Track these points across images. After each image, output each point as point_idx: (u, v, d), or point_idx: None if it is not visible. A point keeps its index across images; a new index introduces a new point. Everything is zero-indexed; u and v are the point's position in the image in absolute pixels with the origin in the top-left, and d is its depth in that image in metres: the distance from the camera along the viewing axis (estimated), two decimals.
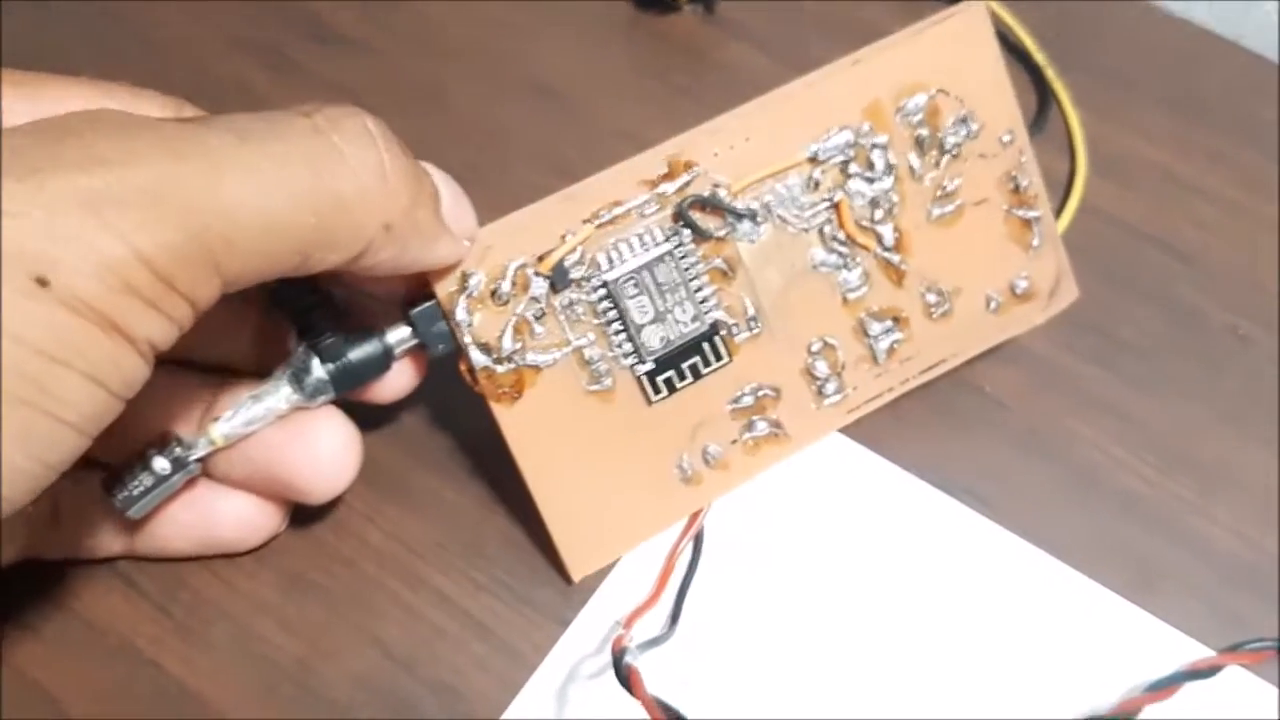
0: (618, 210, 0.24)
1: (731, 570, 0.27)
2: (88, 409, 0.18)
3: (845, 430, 0.28)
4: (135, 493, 0.23)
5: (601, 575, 0.26)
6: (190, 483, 0.24)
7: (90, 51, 0.34)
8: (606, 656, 0.25)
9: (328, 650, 0.25)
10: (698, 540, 0.26)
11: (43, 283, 0.17)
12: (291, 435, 0.24)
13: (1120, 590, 0.26)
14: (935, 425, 0.28)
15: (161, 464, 0.23)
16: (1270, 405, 0.29)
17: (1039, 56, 0.34)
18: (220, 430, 0.23)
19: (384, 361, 0.24)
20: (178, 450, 0.23)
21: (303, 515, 0.27)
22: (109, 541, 0.25)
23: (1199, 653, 0.25)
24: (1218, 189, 0.33)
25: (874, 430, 0.28)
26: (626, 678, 0.22)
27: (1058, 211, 0.31)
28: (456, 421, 0.28)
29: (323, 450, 0.24)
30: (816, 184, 0.26)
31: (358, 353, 0.24)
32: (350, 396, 0.25)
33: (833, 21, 0.36)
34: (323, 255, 0.20)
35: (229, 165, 0.19)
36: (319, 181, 0.20)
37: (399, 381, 0.25)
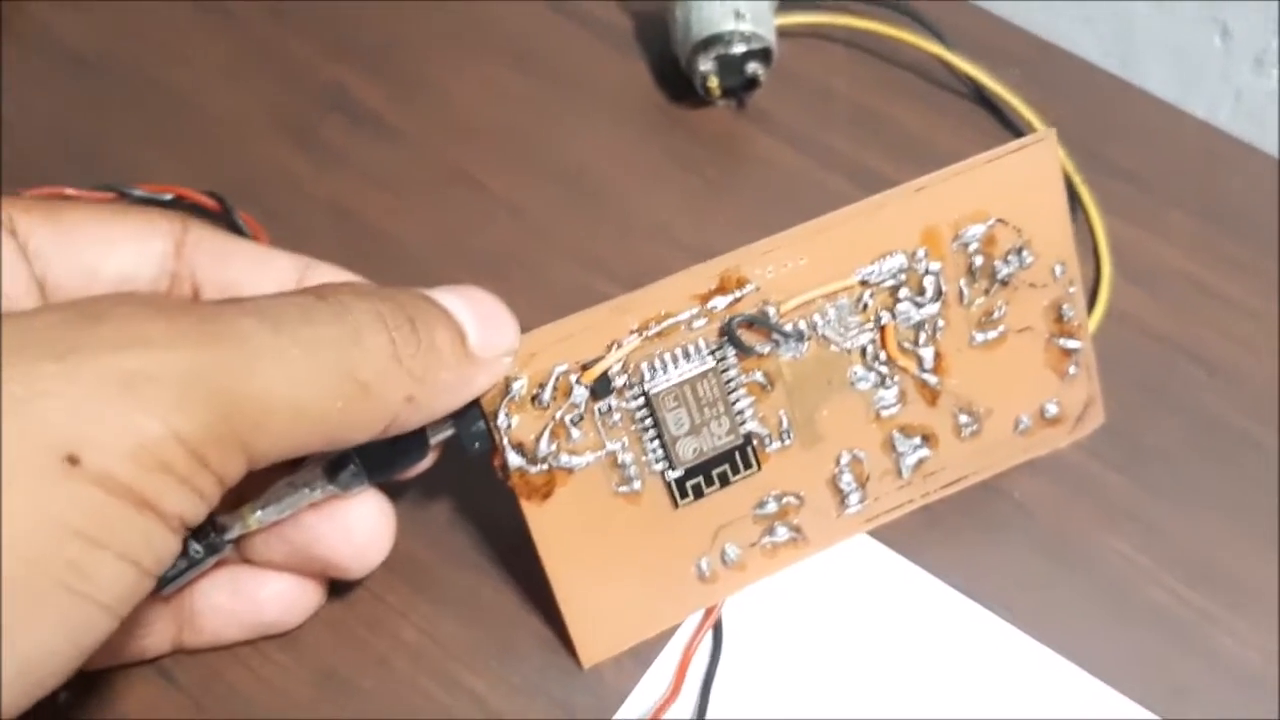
0: (667, 323, 0.24)
1: (756, 668, 0.26)
2: (120, 589, 0.18)
3: (872, 533, 0.27)
4: (169, 574, 0.22)
5: (635, 678, 0.26)
6: (224, 567, 0.24)
7: (129, 125, 0.34)
8: None
9: None
10: (717, 635, 0.26)
11: (73, 461, 0.17)
12: (326, 516, 0.23)
13: (1145, 703, 0.26)
14: (963, 530, 0.28)
15: (195, 547, 0.22)
16: None
17: (1067, 163, 0.33)
18: (255, 515, 0.23)
19: (420, 455, 0.24)
20: (211, 535, 0.23)
21: (337, 609, 0.26)
22: (158, 644, 0.24)
23: None
24: (1242, 298, 0.33)
25: (901, 534, 0.28)
26: None
27: None
28: (489, 517, 0.27)
29: (358, 531, 0.24)
30: (865, 306, 0.25)
31: (395, 449, 0.23)
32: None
33: (861, 119, 0.36)
34: (346, 436, 0.20)
35: (263, 353, 0.19)
36: (342, 368, 0.19)
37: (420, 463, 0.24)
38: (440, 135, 0.35)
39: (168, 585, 0.23)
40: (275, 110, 0.35)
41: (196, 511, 0.19)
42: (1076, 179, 0.34)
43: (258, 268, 0.24)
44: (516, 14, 0.38)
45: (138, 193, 0.31)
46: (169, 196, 0.31)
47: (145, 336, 0.18)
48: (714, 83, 0.34)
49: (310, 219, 0.33)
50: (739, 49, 0.34)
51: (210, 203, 0.31)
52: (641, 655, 0.26)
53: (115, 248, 0.23)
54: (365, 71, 0.36)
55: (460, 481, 0.27)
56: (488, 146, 0.35)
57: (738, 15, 0.33)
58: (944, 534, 0.28)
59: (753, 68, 0.34)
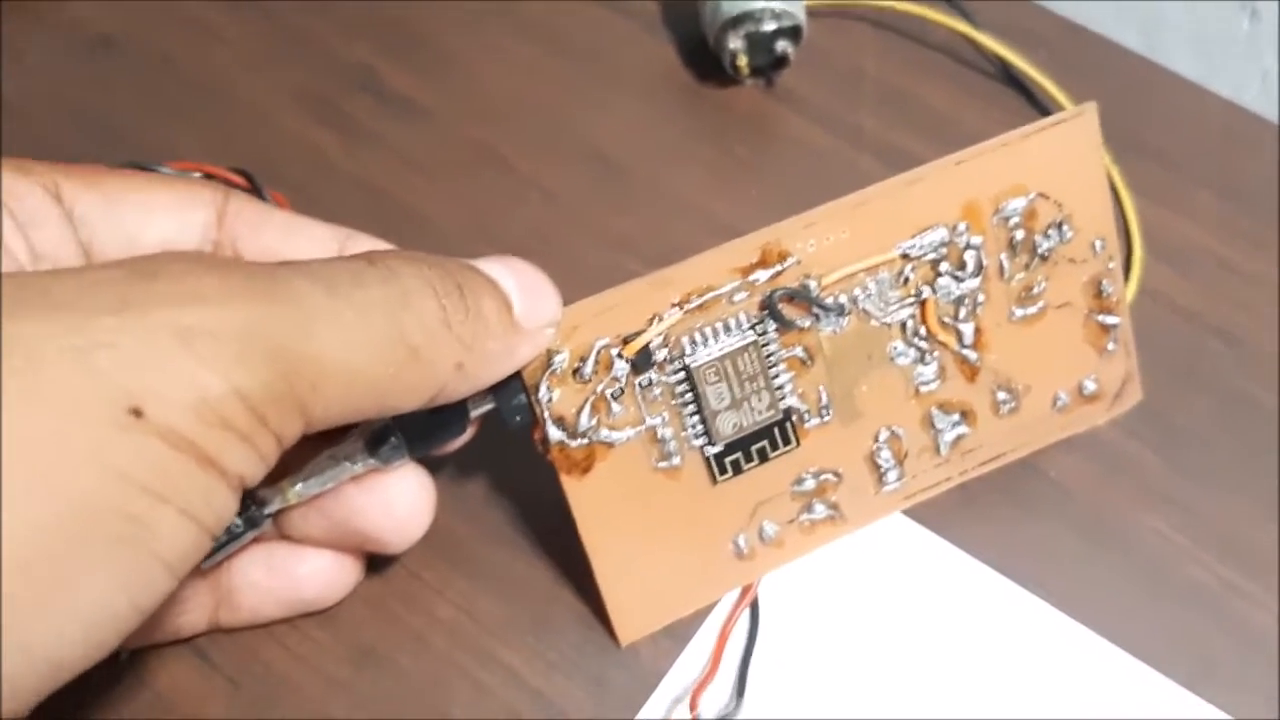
0: (708, 296, 0.24)
1: (793, 646, 0.26)
2: (182, 547, 0.17)
3: (908, 511, 0.27)
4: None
5: (672, 657, 0.26)
6: (261, 543, 0.24)
7: (153, 104, 0.34)
8: None
9: None
10: (754, 613, 0.26)
11: (137, 414, 0.16)
12: (367, 490, 0.23)
13: (1182, 680, 0.26)
14: (1000, 509, 0.28)
15: (235, 521, 0.22)
16: None
17: None
18: (295, 488, 0.23)
19: (460, 428, 0.24)
20: (251, 508, 0.23)
21: (374, 585, 0.26)
22: (194, 622, 0.24)
23: None
24: (1271, 276, 0.33)
25: (937, 512, 0.27)
26: None
27: None
28: (526, 493, 0.27)
29: (399, 504, 0.24)
30: (905, 280, 0.25)
31: (435, 421, 0.23)
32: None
33: (890, 98, 0.35)
34: (396, 402, 0.20)
35: (318, 314, 0.18)
36: (393, 332, 0.19)
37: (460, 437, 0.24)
38: (468, 115, 0.35)
39: (208, 559, 0.22)
40: (302, 90, 0.35)
41: (255, 472, 0.18)
42: (1105, 159, 0.33)
43: (299, 238, 0.24)
44: None
45: (166, 170, 0.31)
46: (197, 175, 0.31)
47: (200, 293, 0.17)
48: (743, 61, 0.34)
49: (338, 197, 0.33)
50: (769, 26, 0.33)
51: (239, 179, 0.31)
52: (678, 633, 0.26)
53: (156, 215, 0.22)
54: (393, 52, 0.36)
55: (497, 457, 0.27)
56: (515, 126, 0.34)
57: None
58: (980, 512, 0.28)
59: (782, 46, 0.34)
